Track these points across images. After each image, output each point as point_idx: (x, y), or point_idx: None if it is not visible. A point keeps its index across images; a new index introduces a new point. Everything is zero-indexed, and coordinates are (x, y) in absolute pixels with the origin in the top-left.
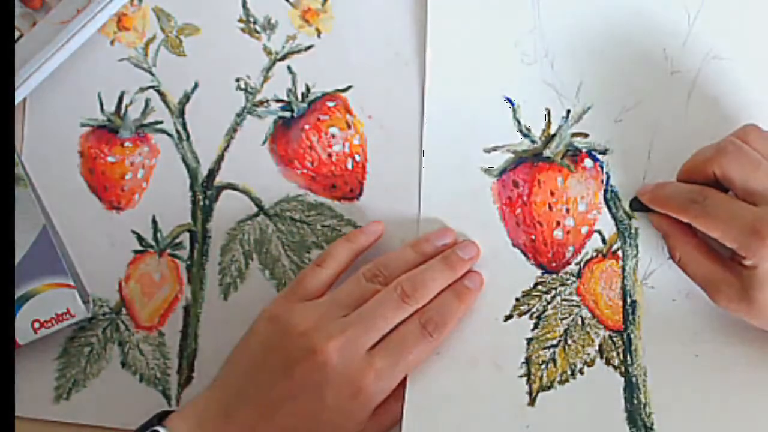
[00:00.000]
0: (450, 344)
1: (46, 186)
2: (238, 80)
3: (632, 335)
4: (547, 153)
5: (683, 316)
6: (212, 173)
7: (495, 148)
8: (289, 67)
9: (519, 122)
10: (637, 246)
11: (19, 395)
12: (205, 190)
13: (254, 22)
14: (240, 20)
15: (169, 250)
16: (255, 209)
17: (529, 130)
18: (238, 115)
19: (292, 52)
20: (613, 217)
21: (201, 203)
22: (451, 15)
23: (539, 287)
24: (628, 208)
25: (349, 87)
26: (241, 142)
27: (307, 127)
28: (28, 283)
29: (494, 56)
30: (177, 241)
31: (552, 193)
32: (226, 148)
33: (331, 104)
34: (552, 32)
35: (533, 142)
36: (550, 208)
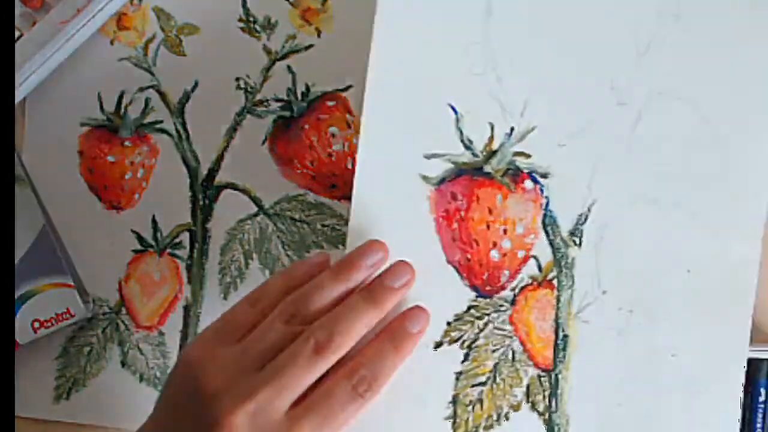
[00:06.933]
0: None
1: (46, 186)
2: (237, 80)
3: (560, 375)
4: (487, 168)
5: (613, 357)
6: (212, 173)
7: (435, 155)
8: (288, 67)
9: (461, 132)
10: (573, 276)
11: (19, 395)
12: (205, 189)
13: (254, 22)
14: (240, 20)
15: (168, 250)
16: (255, 209)
17: (471, 142)
18: (237, 115)
19: (292, 52)
20: (551, 243)
21: (201, 203)
22: (401, 15)
23: (472, 311)
24: (565, 236)
25: (349, 87)
26: (240, 141)
27: (306, 126)
28: (28, 283)
29: (442, 61)
30: (177, 240)
31: (490, 211)
32: (225, 148)
33: (331, 104)
34: (501, 46)
35: (474, 155)
36: (488, 227)
